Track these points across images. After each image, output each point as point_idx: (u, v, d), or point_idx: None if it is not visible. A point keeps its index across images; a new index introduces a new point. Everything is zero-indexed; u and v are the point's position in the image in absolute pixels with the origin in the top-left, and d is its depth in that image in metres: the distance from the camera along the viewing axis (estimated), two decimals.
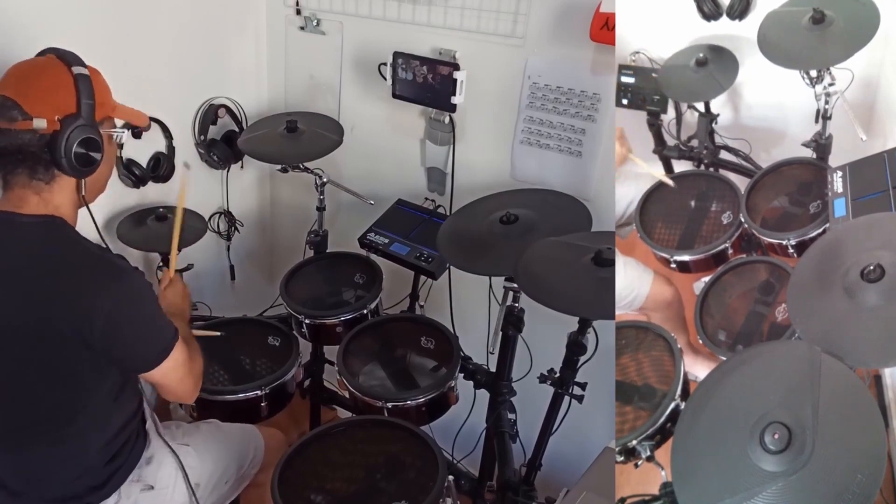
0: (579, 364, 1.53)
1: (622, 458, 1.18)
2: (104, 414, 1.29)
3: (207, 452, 1.50)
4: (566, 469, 1.74)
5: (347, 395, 1.66)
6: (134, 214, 2.04)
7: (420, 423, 1.56)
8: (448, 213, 2.02)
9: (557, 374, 1.54)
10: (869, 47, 1.37)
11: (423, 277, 1.97)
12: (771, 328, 1.38)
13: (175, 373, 1.30)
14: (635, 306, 1.59)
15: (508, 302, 1.56)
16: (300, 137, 1.99)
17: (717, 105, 1.72)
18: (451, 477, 1.28)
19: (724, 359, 1.33)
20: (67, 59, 1.19)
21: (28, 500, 1.29)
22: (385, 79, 1.97)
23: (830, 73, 1.45)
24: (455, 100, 1.84)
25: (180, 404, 1.66)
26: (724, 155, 1.73)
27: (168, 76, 2.04)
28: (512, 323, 1.58)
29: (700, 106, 1.71)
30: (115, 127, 1.31)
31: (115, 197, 2.00)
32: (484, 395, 1.77)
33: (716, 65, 1.65)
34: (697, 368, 1.37)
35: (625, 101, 1.74)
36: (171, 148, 2.12)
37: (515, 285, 1.51)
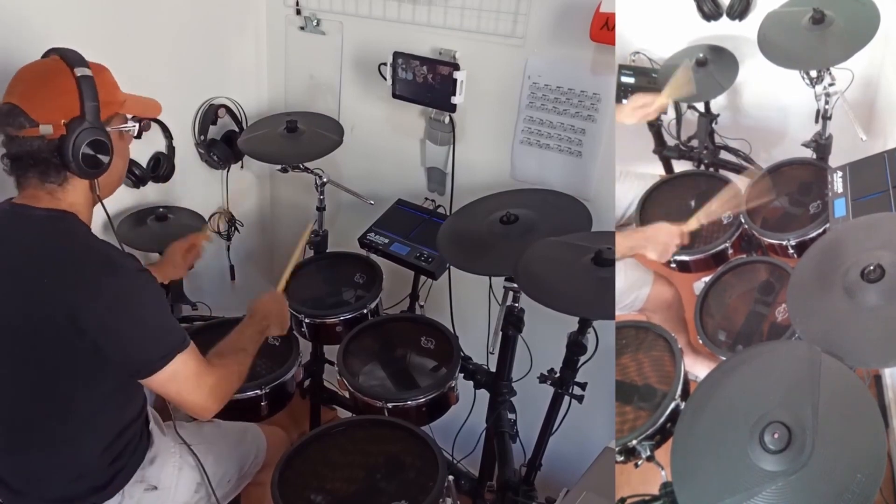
0: (579, 364, 1.52)
1: (622, 458, 1.18)
2: (103, 415, 1.27)
3: (210, 453, 1.50)
4: (566, 469, 1.73)
5: (347, 395, 1.66)
6: (134, 214, 2.04)
7: (420, 424, 1.56)
8: (448, 213, 2.02)
9: (557, 374, 1.54)
10: (869, 47, 1.37)
11: (423, 277, 1.97)
12: (771, 328, 1.38)
13: (175, 384, 1.22)
14: (636, 308, 1.59)
15: (508, 302, 1.56)
16: (300, 137, 1.99)
17: (717, 105, 1.72)
18: (451, 477, 1.28)
19: (724, 359, 1.33)
20: (71, 60, 1.19)
21: (30, 499, 1.29)
22: (385, 79, 1.97)
23: (830, 74, 1.45)
24: (455, 100, 1.84)
25: None
26: (724, 155, 1.73)
27: (168, 76, 2.04)
28: (512, 323, 1.58)
29: (700, 106, 1.71)
30: (125, 122, 1.30)
31: (114, 197, 1.96)
32: (484, 395, 1.77)
33: (716, 65, 1.65)
34: (697, 368, 1.37)
35: (625, 101, 1.74)
36: (171, 148, 2.12)
37: (515, 285, 1.51)
